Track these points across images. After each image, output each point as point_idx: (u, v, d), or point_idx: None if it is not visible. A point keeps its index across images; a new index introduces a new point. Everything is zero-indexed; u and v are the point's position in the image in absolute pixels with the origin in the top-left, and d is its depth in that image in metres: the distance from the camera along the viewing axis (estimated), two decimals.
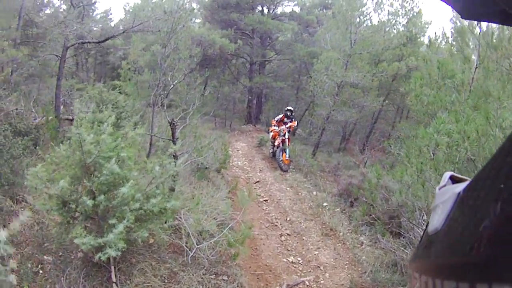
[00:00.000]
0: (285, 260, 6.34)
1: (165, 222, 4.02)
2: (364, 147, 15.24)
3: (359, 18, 11.86)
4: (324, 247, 7.04)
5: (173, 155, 5.35)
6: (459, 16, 0.63)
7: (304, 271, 6.16)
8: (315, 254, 6.73)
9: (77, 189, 3.65)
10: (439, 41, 14.80)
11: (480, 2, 0.53)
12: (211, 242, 4.98)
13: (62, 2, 9.87)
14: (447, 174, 0.54)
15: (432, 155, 5.18)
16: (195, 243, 4.72)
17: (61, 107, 9.48)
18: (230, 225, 5.33)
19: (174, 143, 5.50)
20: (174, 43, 8.46)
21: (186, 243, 4.85)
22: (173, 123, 5.50)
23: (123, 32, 9.38)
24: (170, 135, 8.98)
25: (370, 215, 8.47)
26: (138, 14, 9.32)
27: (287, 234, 7.36)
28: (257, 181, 10.18)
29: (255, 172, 11.03)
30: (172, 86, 6.65)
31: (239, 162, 11.80)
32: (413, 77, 7.40)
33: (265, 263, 5.99)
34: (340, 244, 7.27)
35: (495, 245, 0.28)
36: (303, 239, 7.24)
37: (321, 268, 6.34)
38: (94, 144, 3.58)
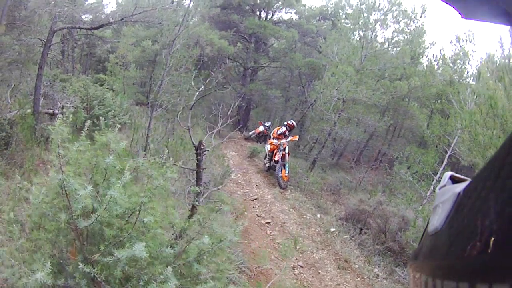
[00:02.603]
0: None
1: None
2: (357, 163, 14.78)
3: (371, 32, 11.35)
4: (344, 283, 6.29)
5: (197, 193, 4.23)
6: (460, 16, 0.58)
7: None
8: None
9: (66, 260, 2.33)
10: (439, 63, 14.66)
11: (481, 2, 0.53)
12: None
13: None
14: (447, 174, 0.51)
15: None
16: None
17: (42, 99, 8.26)
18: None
19: (200, 177, 4.23)
20: (182, 38, 7.52)
21: None
22: (201, 148, 4.19)
23: (122, 20, 8.31)
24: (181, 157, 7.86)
25: (383, 244, 7.90)
26: (140, 3, 8.29)
27: (300, 266, 6.55)
28: (255, 199, 9.31)
29: (252, 187, 10.16)
30: (198, 94, 5.24)
31: (232, 175, 10.88)
32: (468, 113, 6.75)
33: None
34: (359, 279, 6.55)
35: (496, 245, 0.27)
36: (319, 273, 6.46)
37: None
38: (93, 200, 2.29)
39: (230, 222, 6.15)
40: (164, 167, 2.53)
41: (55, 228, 2.26)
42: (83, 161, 2.52)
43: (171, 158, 3.47)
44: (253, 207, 8.78)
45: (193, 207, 3.82)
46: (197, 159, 4.09)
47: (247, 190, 9.83)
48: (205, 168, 4.41)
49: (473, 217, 0.32)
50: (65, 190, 2.18)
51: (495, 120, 6.07)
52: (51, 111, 8.90)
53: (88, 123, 2.59)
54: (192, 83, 5.77)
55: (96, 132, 2.67)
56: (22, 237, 2.36)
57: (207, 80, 5.35)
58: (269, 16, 17.87)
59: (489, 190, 0.31)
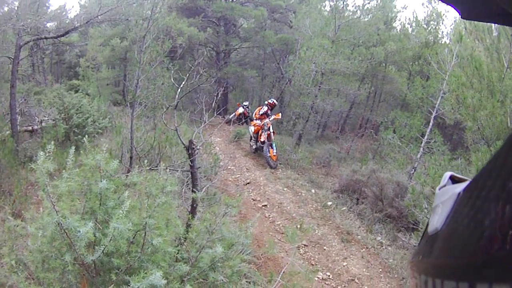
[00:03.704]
0: (316, 278, 5.56)
1: None
2: (342, 133, 14.85)
3: (342, 2, 11.22)
4: (351, 256, 6.36)
5: (193, 191, 3.97)
6: (459, 15, 0.57)
7: None
8: (344, 266, 6.03)
9: None
10: (413, 26, 14.71)
11: (480, 2, 0.53)
12: None
13: None
14: (447, 174, 0.51)
15: None
16: None
17: (19, 118, 7.97)
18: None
19: (195, 177, 4.03)
20: (153, 31, 7.25)
21: None
22: (192, 147, 3.85)
23: (87, 22, 8.00)
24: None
25: (381, 211, 7.98)
26: (104, 2, 7.96)
27: (304, 245, 6.57)
28: (248, 183, 9.28)
29: (242, 171, 10.10)
30: (180, 91, 4.94)
31: (221, 163, 10.78)
32: (454, 77, 6.73)
33: None
34: (364, 249, 6.63)
35: (496, 245, 0.27)
36: (324, 249, 6.50)
37: (356, 281, 5.67)
38: (95, 230, 2.16)
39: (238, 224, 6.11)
40: (162, 179, 2.38)
41: (60, 265, 2.13)
42: (74, 187, 2.35)
43: (162, 164, 3.31)
44: (247, 191, 8.74)
45: (193, 208, 3.71)
46: (190, 160, 3.92)
47: (239, 175, 9.78)
48: (200, 167, 4.25)
49: (474, 217, 0.32)
50: (65, 231, 2.06)
51: (481, 82, 6.06)
52: (30, 127, 8.62)
53: (72, 149, 2.40)
54: (172, 80, 5.50)
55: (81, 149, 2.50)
56: (29, 283, 2.21)
57: (188, 75, 5.08)
58: None
59: (490, 189, 0.31)
